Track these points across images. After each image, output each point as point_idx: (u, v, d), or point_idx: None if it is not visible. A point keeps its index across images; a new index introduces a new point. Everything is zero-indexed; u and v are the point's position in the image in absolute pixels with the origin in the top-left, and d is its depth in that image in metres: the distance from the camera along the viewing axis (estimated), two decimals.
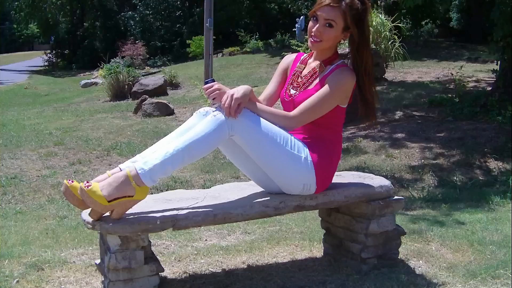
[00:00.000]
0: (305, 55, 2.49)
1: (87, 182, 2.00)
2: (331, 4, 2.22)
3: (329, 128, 2.32)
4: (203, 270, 2.59)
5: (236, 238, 3.23)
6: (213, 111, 2.16)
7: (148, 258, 2.16)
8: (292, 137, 2.25)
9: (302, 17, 15.95)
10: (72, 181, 2.02)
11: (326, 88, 2.25)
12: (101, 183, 2.01)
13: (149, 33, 24.96)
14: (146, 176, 2.01)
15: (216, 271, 2.57)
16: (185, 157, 2.08)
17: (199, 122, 2.17)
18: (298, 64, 2.45)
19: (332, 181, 2.36)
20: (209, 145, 2.12)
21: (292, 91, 2.35)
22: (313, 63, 2.38)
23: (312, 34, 2.26)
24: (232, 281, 2.42)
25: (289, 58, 2.53)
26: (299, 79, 2.37)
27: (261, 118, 2.21)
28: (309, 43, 2.31)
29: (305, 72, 2.38)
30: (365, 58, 2.29)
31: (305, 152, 2.23)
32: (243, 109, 2.16)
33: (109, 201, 1.97)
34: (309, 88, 2.31)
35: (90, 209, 2.02)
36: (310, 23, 2.28)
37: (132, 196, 2.01)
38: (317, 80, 2.31)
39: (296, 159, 2.20)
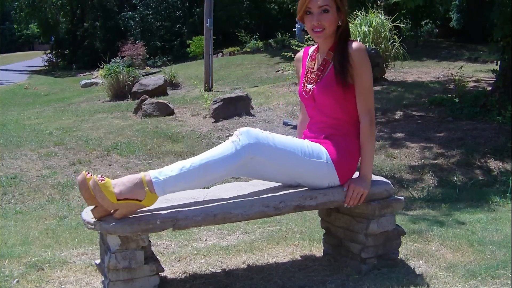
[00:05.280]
0: (311, 49, 2.54)
1: (101, 176, 2.01)
2: None
3: (351, 123, 2.36)
4: (203, 270, 2.59)
5: (236, 238, 3.23)
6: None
7: (148, 258, 2.16)
8: (307, 142, 2.30)
9: None
10: (91, 175, 2.02)
11: (364, 71, 2.29)
12: (114, 181, 2.02)
13: (149, 33, 24.97)
14: (159, 185, 2.04)
15: (216, 271, 2.57)
16: (201, 174, 2.08)
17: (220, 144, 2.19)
18: (307, 61, 2.50)
19: None
20: (226, 165, 2.10)
21: (309, 86, 2.41)
22: (320, 56, 2.44)
23: (313, 27, 2.32)
24: (232, 281, 2.42)
25: (298, 57, 2.58)
26: (313, 74, 2.42)
27: (274, 135, 2.23)
28: (314, 38, 2.37)
29: (316, 66, 2.43)
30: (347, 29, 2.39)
31: (324, 155, 2.27)
32: (256, 131, 2.18)
33: (117, 200, 1.97)
34: (323, 77, 2.36)
35: (93, 207, 2.02)
36: (307, 21, 2.34)
37: (141, 201, 2.02)
38: (330, 67, 2.36)
39: (318, 166, 2.25)
